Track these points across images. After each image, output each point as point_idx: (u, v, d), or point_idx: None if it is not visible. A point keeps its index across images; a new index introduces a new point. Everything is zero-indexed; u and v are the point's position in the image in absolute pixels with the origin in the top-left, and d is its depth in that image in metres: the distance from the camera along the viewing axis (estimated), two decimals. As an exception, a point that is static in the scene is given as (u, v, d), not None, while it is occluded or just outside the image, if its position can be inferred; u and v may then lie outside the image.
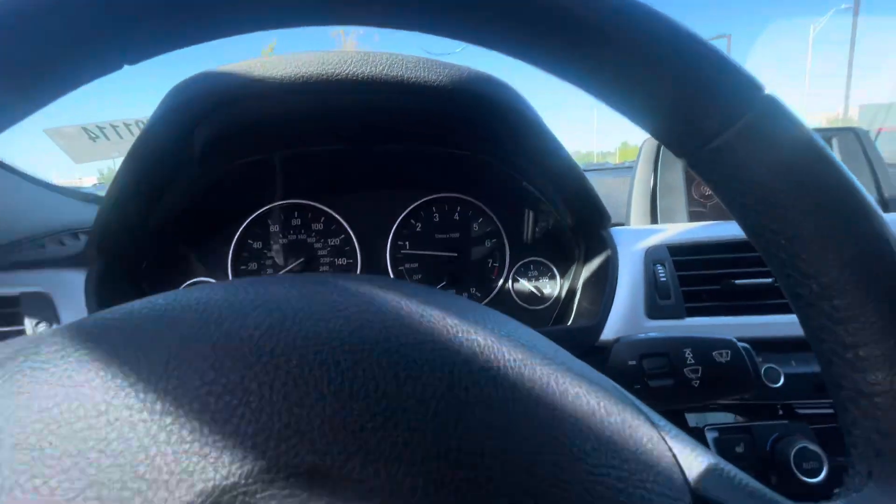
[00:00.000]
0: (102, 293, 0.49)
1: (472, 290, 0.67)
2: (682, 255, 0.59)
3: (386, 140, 0.54)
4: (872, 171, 0.71)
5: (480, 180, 0.66)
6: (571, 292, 0.65)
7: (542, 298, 0.67)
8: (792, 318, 0.49)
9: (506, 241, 0.67)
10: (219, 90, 0.39)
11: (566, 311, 0.65)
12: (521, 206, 0.67)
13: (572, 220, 0.62)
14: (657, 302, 0.56)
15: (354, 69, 0.39)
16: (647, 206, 0.73)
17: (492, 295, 0.67)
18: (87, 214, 0.75)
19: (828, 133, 0.74)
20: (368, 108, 0.44)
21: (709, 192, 0.73)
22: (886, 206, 0.69)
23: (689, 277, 0.57)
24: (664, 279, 0.57)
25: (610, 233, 0.60)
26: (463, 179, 0.67)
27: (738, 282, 0.56)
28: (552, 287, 0.67)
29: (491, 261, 0.68)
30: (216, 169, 0.51)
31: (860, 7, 11.50)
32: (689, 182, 0.73)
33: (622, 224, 0.74)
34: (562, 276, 0.67)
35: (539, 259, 0.68)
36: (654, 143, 0.76)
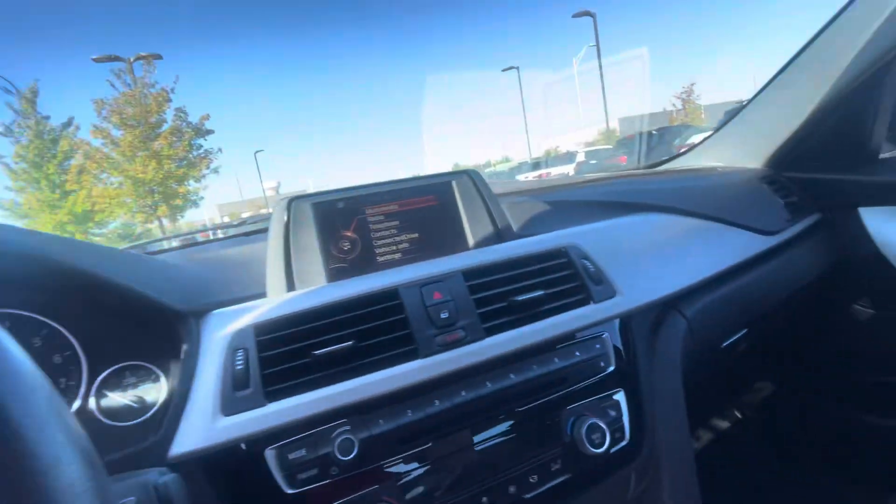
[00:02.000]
0: None
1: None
2: (270, 334, 0.55)
3: None
4: (487, 207, 0.79)
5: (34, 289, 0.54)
6: (183, 391, 0.57)
7: (143, 409, 0.57)
8: (380, 376, 0.49)
9: (80, 351, 0.56)
10: None
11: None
12: (99, 308, 0.56)
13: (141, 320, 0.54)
14: (233, 395, 0.51)
15: None
16: (281, 273, 0.69)
17: None
18: None
19: (447, 177, 0.82)
20: None
21: (348, 245, 0.73)
22: (501, 236, 0.78)
23: (273, 358, 0.54)
24: (241, 366, 0.52)
25: (192, 324, 0.54)
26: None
27: (317, 352, 0.54)
28: (158, 391, 0.58)
29: (65, 380, 0.55)
30: None
31: (603, 43, 14.74)
32: (324, 238, 0.72)
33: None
34: (167, 376, 0.58)
35: (136, 362, 0.58)
36: (285, 200, 0.73)
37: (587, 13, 14.60)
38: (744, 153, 1.23)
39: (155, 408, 0.57)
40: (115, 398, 0.56)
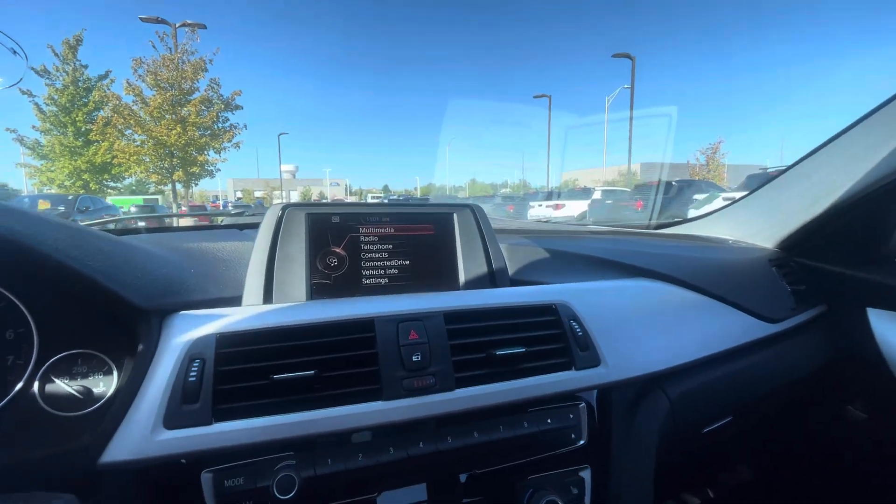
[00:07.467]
0: None
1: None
2: (232, 347, 0.53)
3: None
4: (484, 245, 0.77)
5: None
6: (130, 392, 0.54)
7: (87, 401, 0.54)
8: (337, 412, 0.47)
9: (34, 330, 0.53)
10: None
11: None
12: (61, 292, 0.54)
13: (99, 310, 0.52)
14: (180, 408, 0.48)
15: None
16: (261, 281, 0.67)
17: (3, 401, 0.51)
18: None
19: (449, 208, 0.79)
20: None
21: (335, 262, 0.71)
22: (494, 279, 0.75)
23: (230, 373, 0.51)
24: (193, 378, 0.49)
25: (154, 323, 0.51)
26: None
27: (276, 377, 0.51)
28: (107, 384, 0.55)
29: (13, 357, 0.53)
30: None
31: (636, 87, 14.77)
32: (312, 250, 0.70)
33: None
34: (120, 371, 0.56)
35: (91, 351, 0.55)
36: (279, 206, 0.72)
37: (627, 55, 14.74)
38: (757, 230, 1.20)
39: (99, 403, 0.54)
40: (61, 385, 0.53)
